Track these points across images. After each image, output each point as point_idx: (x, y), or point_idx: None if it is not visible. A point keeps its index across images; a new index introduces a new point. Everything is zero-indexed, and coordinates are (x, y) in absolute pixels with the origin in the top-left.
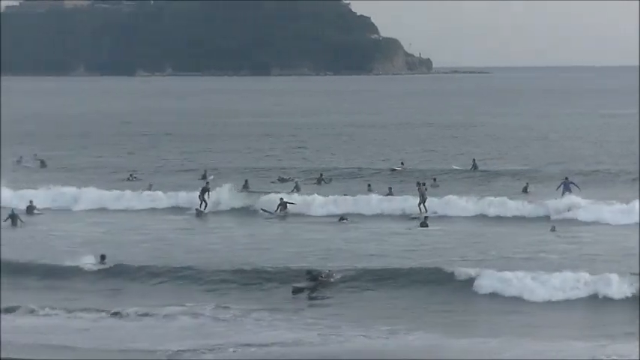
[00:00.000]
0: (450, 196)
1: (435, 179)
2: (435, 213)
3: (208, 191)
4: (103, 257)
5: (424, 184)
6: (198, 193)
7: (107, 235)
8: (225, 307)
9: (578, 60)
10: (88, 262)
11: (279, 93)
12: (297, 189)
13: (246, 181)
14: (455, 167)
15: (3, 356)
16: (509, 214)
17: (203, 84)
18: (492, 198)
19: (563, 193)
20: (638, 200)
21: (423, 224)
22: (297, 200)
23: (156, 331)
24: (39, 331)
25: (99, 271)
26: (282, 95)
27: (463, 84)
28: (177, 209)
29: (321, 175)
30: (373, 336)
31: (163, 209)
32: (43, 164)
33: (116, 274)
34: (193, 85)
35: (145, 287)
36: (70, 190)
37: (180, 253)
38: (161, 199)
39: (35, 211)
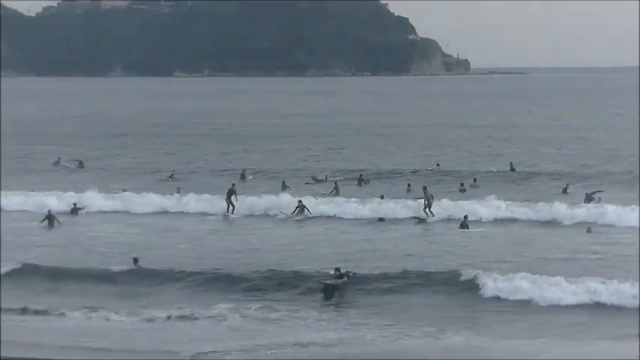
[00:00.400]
0: (489, 197)
1: (475, 179)
2: (451, 216)
3: (235, 193)
4: (135, 260)
5: (461, 188)
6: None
7: (140, 236)
8: (267, 308)
9: (596, 61)
10: (122, 264)
11: (317, 94)
12: (337, 190)
13: (283, 182)
14: (492, 169)
15: (3, 355)
16: (545, 217)
17: (240, 85)
18: (528, 201)
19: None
20: None
21: (464, 225)
22: (313, 210)
23: (200, 332)
24: (81, 333)
25: (131, 273)
26: (320, 96)
27: (501, 84)
28: (203, 214)
29: (361, 175)
30: (419, 336)
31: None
32: (81, 165)
33: (149, 277)
34: (231, 85)
35: (182, 290)
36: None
37: (216, 254)
38: (188, 202)
39: (80, 212)
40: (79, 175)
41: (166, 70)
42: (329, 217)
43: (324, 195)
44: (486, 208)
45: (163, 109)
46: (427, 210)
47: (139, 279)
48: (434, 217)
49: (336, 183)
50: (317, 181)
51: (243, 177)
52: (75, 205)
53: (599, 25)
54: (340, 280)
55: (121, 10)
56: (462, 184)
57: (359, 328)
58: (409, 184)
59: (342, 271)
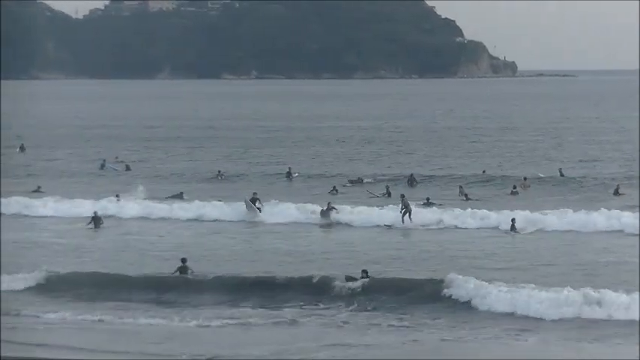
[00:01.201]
0: (538, 201)
1: (525, 178)
2: (454, 224)
3: (258, 200)
4: (183, 260)
5: (513, 191)
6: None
7: (188, 239)
8: (329, 310)
9: (617, 64)
10: (172, 268)
11: (367, 97)
12: (388, 193)
13: (334, 187)
14: (540, 175)
15: (3, 355)
16: (592, 220)
17: (289, 87)
18: (577, 204)
19: None
20: None
21: (513, 229)
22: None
23: (269, 335)
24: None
25: (184, 278)
26: (370, 99)
27: (549, 87)
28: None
29: (412, 175)
30: (485, 338)
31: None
32: (128, 168)
33: (204, 283)
34: (279, 88)
35: (238, 294)
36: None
37: (265, 258)
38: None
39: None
40: (127, 178)
41: (214, 72)
42: (374, 219)
43: (376, 196)
44: (534, 212)
45: (211, 111)
46: (407, 216)
47: (191, 285)
48: (411, 223)
49: (387, 186)
50: (353, 183)
51: (289, 175)
52: (117, 196)
53: (617, 26)
54: (360, 279)
55: (168, 12)
56: (514, 187)
57: (428, 329)
58: (460, 187)
59: (369, 274)
